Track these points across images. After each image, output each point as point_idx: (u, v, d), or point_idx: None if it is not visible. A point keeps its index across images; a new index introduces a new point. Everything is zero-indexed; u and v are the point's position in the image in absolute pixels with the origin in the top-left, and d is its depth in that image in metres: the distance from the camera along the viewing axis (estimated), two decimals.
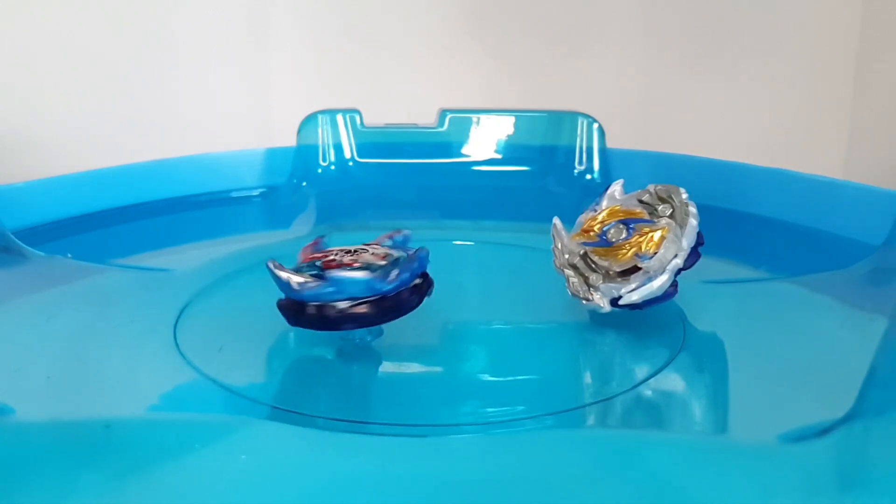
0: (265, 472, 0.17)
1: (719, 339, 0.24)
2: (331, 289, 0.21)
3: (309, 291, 0.21)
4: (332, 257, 0.23)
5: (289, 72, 0.52)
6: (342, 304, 0.21)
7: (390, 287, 0.21)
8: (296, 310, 0.22)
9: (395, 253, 0.23)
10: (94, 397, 0.20)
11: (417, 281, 0.23)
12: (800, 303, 0.27)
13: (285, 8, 0.51)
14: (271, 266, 0.22)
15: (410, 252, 0.23)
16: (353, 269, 0.21)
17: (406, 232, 0.25)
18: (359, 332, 0.23)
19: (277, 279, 0.22)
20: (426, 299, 0.23)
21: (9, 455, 0.17)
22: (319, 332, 0.22)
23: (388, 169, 0.43)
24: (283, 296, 0.22)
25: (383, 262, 0.22)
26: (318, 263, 0.22)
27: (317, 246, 0.24)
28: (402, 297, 0.22)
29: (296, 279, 0.21)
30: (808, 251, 0.33)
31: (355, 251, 0.23)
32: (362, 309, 0.21)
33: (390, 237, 0.24)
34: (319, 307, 0.21)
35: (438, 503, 0.16)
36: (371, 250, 0.23)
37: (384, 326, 0.23)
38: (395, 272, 0.21)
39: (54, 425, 0.19)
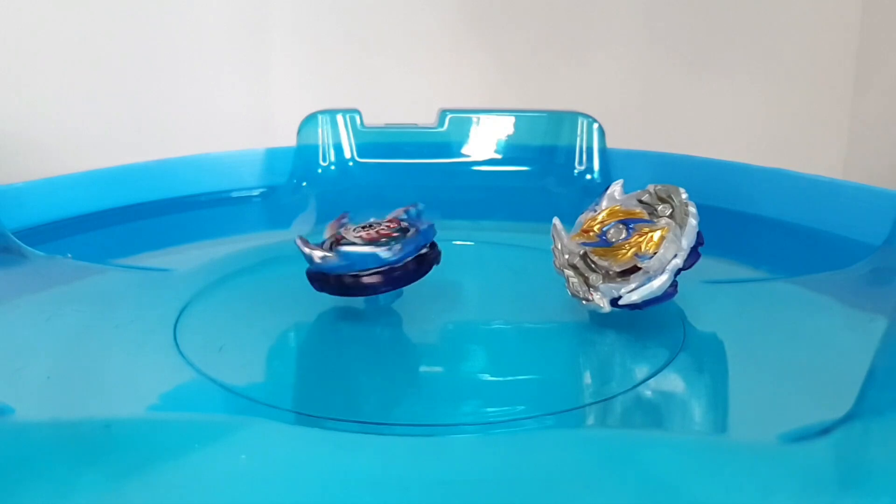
0: (265, 472, 0.17)
1: (719, 339, 0.24)
2: (344, 262, 0.24)
3: (328, 264, 0.24)
4: (346, 235, 0.25)
5: (289, 72, 0.52)
6: (356, 274, 0.24)
7: (396, 258, 0.24)
8: (320, 279, 0.25)
9: (407, 225, 0.26)
10: (94, 397, 0.20)
11: (424, 251, 0.25)
12: (800, 303, 0.27)
13: (285, 8, 0.51)
14: (299, 242, 0.25)
15: (419, 225, 0.26)
16: (361, 244, 0.24)
17: (420, 206, 0.27)
18: (381, 295, 0.25)
19: (303, 253, 0.25)
20: (436, 268, 0.26)
21: (9, 455, 0.17)
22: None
23: (388, 169, 0.43)
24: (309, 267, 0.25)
25: (394, 235, 0.25)
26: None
27: (341, 222, 0.26)
28: (407, 268, 0.25)
29: (318, 254, 0.24)
30: (808, 251, 0.33)
31: (370, 226, 0.26)
32: (372, 279, 0.24)
33: (405, 210, 0.27)
34: (338, 277, 0.24)
35: (438, 503, 0.16)
36: (385, 224, 0.26)
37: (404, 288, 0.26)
38: (398, 246, 0.24)
39: (54, 425, 0.19)
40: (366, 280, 0.24)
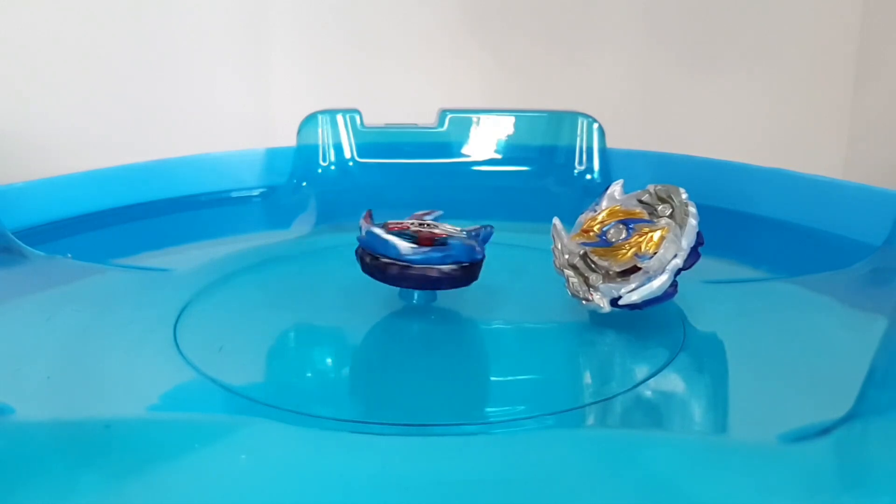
0: (265, 472, 0.17)
1: (719, 339, 0.24)
2: (439, 254, 0.24)
3: (420, 255, 0.24)
4: (415, 228, 0.25)
5: (289, 72, 0.52)
6: (444, 268, 0.24)
7: (479, 257, 0.25)
8: (396, 271, 0.24)
9: (451, 229, 0.26)
10: (94, 397, 0.20)
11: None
12: (800, 303, 0.27)
13: (285, 8, 0.51)
14: (376, 231, 0.24)
15: (470, 229, 0.26)
16: (456, 237, 0.25)
17: (439, 212, 0.27)
18: (417, 295, 0.26)
19: (384, 242, 0.24)
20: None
21: (9, 455, 0.17)
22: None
23: (388, 169, 0.43)
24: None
25: (464, 235, 0.25)
26: (408, 233, 0.25)
27: (370, 217, 0.26)
28: (477, 267, 0.25)
29: (405, 244, 0.24)
30: (808, 251, 0.33)
31: (427, 225, 0.26)
32: (461, 272, 0.25)
33: (428, 213, 0.27)
34: (423, 269, 0.24)
35: (439, 503, 0.16)
36: (434, 224, 0.26)
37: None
38: (479, 246, 0.25)
39: (54, 425, 0.19)
40: (455, 273, 0.24)
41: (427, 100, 0.49)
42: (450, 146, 0.44)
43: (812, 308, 0.27)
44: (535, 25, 0.54)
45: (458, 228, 0.26)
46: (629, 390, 0.20)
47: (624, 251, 0.24)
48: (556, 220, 0.25)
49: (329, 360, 0.24)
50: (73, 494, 0.16)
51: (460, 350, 0.24)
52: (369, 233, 0.25)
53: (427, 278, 0.24)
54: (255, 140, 0.45)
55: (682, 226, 0.24)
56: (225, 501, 0.16)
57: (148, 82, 0.49)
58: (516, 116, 0.44)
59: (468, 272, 0.25)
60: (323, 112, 0.43)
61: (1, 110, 0.46)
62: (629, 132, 0.44)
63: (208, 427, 0.19)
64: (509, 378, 0.22)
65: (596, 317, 0.25)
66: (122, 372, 0.22)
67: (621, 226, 0.24)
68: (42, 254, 0.31)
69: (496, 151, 0.44)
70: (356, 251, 0.25)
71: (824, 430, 0.17)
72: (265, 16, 0.51)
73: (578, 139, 0.43)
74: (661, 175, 0.30)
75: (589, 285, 0.24)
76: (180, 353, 0.23)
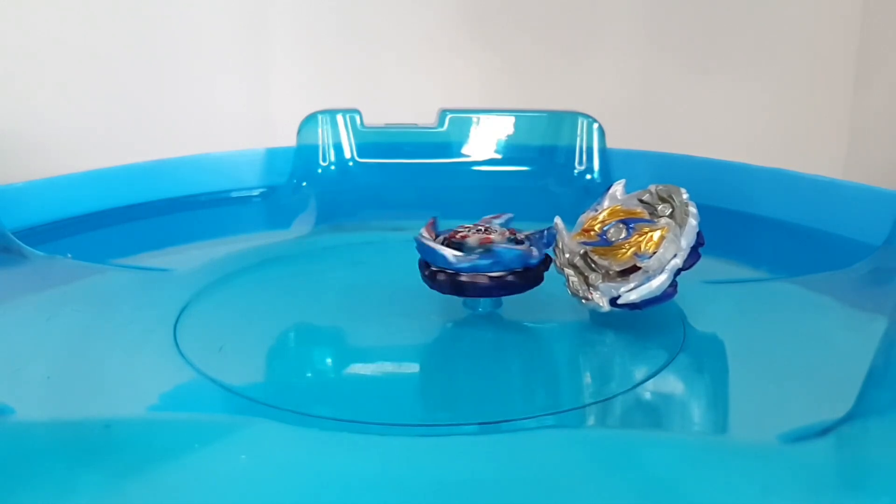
0: (265, 472, 0.17)
1: (719, 339, 0.24)
2: (488, 261, 0.23)
3: (467, 263, 0.24)
4: (464, 233, 0.25)
5: (289, 72, 0.52)
6: (495, 274, 0.24)
7: (535, 262, 0.24)
8: (450, 281, 0.24)
9: (518, 234, 0.25)
10: (94, 397, 0.20)
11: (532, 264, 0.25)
12: (800, 303, 0.27)
13: (285, 8, 0.51)
14: (427, 242, 0.24)
15: (534, 232, 0.25)
16: (505, 243, 0.24)
17: (509, 215, 0.27)
18: (482, 303, 0.25)
19: (433, 251, 0.24)
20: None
21: (9, 455, 0.17)
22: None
23: (388, 169, 0.43)
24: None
25: (521, 240, 0.24)
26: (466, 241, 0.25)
27: (434, 226, 0.26)
28: (539, 270, 0.24)
29: (451, 252, 0.24)
30: (808, 251, 0.33)
31: (485, 230, 0.25)
32: (514, 278, 0.24)
33: (497, 217, 0.26)
34: (473, 277, 0.24)
35: (438, 503, 0.16)
36: (495, 229, 0.25)
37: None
38: (535, 250, 0.24)
39: (54, 425, 0.19)
40: (508, 279, 0.24)
41: (427, 100, 0.49)
42: (450, 146, 0.44)
43: (812, 308, 0.27)
44: (535, 26, 0.54)
45: (524, 233, 0.25)
46: (629, 390, 0.20)
47: (623, 251, 0.24)
48: (557, 220, 0.25)
49: (329, 360, 0.24)
50: (73, 494, 0.16)
51: (460, 350, 0.24)
52: (419, 242, 0.24)
53: (479, 286, 0.24)
54: (255, 140, 0.45)
55: (681, 226, 0.24)
56: (225, 501, 0.16)
57: (148, 82, 0.49)
58: (516, 116, 0.44)
59: (522, 277, 0.24)
60: (323, 112, 0.43)
61: (1, 110, 0.46)
62: (629, 132, 0.44)
63: (208, 427, 0.19)
64: (509, 378, 0.22)
65: (596, 317, 0.25)
66: (122, 372, 0.22)
67: (621, 225, 0.24)
68: (42, 254, 0.31)
69: (496, 151, 0.44)
70: (419, 261, 0.25)
71: (824, 430, 0.17)
72: (265, 16, 0.51)
73: (578, 139, 0.43)
74: (662, 175, 0.30)
75: (589, 284, 0.24)
76: (180, 353, 0.23)
